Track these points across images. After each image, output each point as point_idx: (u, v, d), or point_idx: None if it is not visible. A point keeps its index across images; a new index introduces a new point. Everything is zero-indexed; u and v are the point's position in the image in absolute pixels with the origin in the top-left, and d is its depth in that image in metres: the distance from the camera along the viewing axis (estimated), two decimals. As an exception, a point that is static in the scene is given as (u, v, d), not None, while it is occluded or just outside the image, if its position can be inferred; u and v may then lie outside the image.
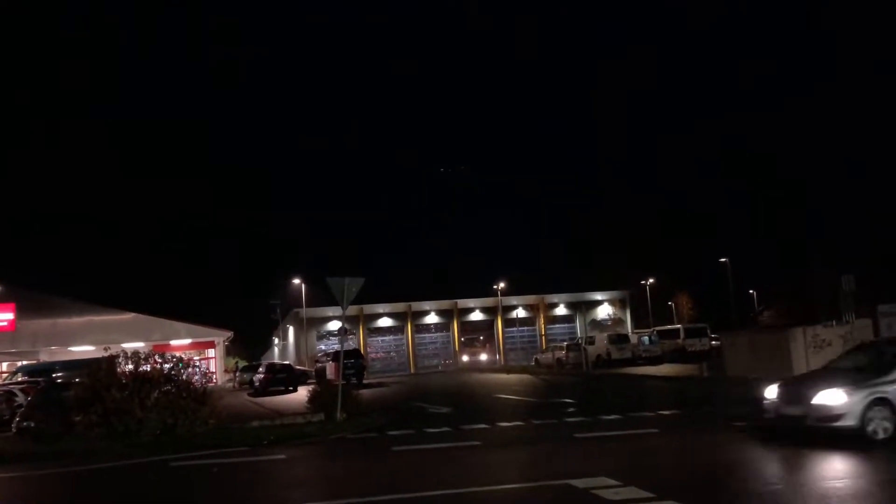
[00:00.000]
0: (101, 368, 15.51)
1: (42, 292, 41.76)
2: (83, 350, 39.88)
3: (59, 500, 10.14)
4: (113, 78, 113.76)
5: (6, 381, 30.05)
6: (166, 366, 16.19)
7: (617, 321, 61.47)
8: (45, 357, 41.29)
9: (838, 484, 8.38)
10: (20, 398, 22.00)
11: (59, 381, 23.60)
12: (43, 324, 42.14)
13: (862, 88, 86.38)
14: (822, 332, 22.62)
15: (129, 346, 20.76)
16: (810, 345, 22.34)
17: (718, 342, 35.95)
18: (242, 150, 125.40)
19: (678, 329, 45.26)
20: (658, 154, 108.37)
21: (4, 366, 42.89)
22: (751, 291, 65.25)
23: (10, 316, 38.61)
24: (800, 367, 22.19)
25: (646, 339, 42.72)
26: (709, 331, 43.46)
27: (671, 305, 66.71)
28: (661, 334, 43.80)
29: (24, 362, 39.25)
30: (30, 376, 28.76)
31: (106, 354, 16.27)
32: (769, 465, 9.69)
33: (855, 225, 57.22)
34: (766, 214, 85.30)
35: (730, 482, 8.58)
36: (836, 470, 9.34)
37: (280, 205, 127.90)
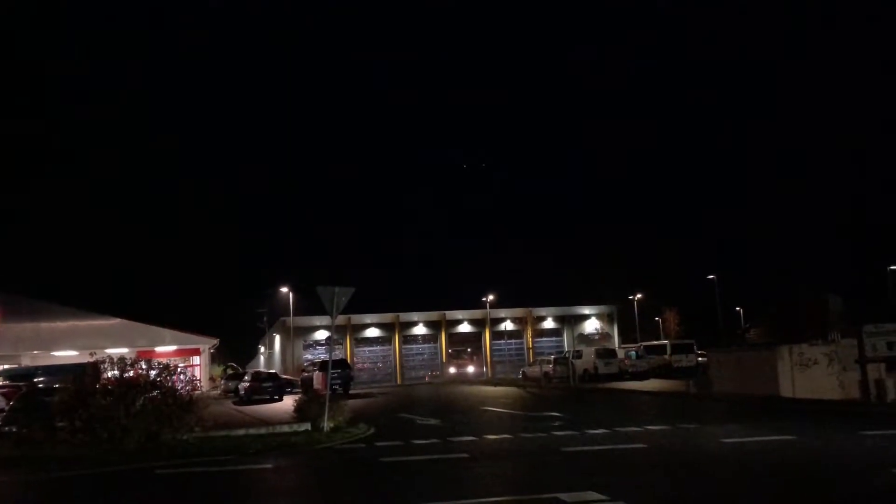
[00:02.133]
0: (87, 374, 15.35)
1: (26, 296, 41.30)
2: (66, 355, 39.44)
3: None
4: (90, 80, 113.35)
5: (-13, 385, 29.65)
6: (152, 372, 16.04)
7: (604, 336, 61.55)
8: (27, 361, 40.75)
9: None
10: (1, 402, 21.72)
11: (41, 385, 23.32)
12: (26, 327, 41.65)
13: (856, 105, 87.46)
14: (808, 350, 22.71)
15: (114, 351, 20.53)
16: (796, 363, 22.44)
17: (705, 359, 36.06)
18: (231, 155, 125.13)
19: (665, 345, 45.35)
20: (648, 171, 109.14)
21: (-15, 369, 42.29)
22: (738, 309, 65.58)
23: (-8, 319, 38.14)
24: (786, 385, 22.30)
25: (633, 353, 42.76)
26: (696, 347, 43.57)
27: (658, 321, 66.90)
28: (648, 350, 43.86)
29: (6, 366, 38.74)
30: (11, 380, 28.40)
31: (91, 360, 16.11)
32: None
33: (842, 245, 57.79)
34: (755, 233, 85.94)
35: (718, 498, 8.58)
36: None
37: (269, 213, 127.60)
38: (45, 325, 42.53)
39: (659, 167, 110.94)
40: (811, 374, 22.14)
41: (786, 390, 22.17)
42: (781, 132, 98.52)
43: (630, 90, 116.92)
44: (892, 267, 48.30)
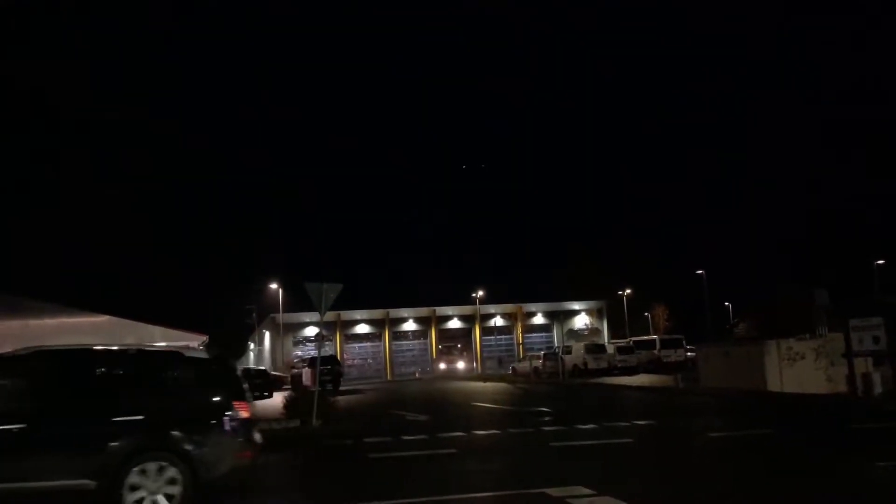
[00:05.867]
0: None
1: (13, 293, 41.01)
2: (54, 352, 39.20)
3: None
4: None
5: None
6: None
7: (594, 331, 61.82)
8: (14, 359, 40.55)
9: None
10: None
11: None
12: (13, 325, 41.03)
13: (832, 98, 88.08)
14: (796, 345, 22.87)
15: (102, 349, 20.35)
16: (784, 357, 22.60)
17: (694, 353, 36.29)
18: (218, 145, 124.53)
19: (654, 340, 45.55)
20: (636, 167, 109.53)
21: (-28, 367, 41.95)
22: (726, 304, 65.95)
23: (-21, 316, 37.92)
24: (773, 380, 22.46)
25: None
26: (684, 342, 43.79)
27: (648, 316, 67.20)
28: (638, 345, 44.07)
29: (-7, 364, 38.46)
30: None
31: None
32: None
33: (828, 238, 58.22)
34: (743, 227, 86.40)
35: (704, 493, 8.63)
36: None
37: (259, 208, 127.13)
38: (33, 323, 41.97)
39: (649, 164, 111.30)
40: (799, 368, 22.30)
41: (773, 385, 22.31)
42: (774, 128, 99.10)
43: (626, 83, 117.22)
44: (878, 262, 48.76)
